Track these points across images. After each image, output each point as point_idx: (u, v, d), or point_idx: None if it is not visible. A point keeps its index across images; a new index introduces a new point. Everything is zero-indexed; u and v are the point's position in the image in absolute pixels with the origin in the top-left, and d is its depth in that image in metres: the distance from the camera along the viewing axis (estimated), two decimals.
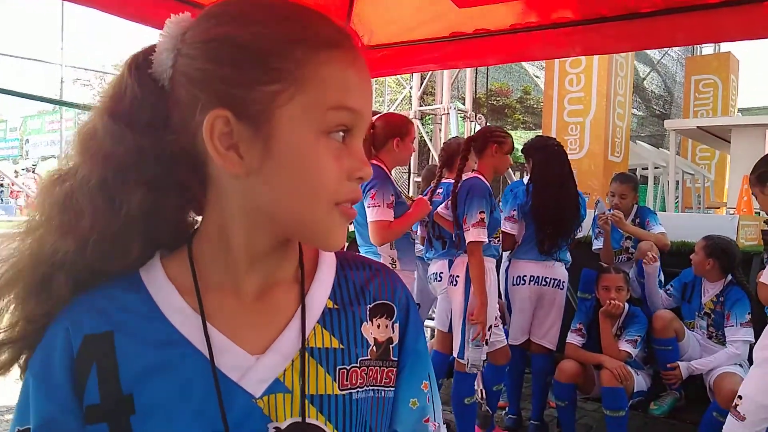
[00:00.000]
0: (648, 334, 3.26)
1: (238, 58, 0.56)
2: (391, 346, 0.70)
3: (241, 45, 0.56)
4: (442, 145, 3.72)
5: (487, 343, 3.07)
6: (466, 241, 3.01)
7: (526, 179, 3.68)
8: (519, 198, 3.50)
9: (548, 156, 3.44)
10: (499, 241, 3.19)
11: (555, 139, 3.71)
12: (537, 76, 18.32)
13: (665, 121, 10.83)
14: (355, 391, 0.66)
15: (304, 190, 0.58)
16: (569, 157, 3.54)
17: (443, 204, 3.19)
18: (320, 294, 0.67)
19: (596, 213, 3.71)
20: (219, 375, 0.60)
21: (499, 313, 3.29)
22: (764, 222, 5.14)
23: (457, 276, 3.11)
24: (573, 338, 3.31)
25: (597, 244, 3.78)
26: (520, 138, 11.59)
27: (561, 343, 3.45)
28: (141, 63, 0.61)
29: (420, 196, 3.62)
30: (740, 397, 2.32)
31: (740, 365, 3.04)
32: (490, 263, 3.12)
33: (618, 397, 2.98)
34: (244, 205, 0.60)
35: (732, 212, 7.35)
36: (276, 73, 0.56)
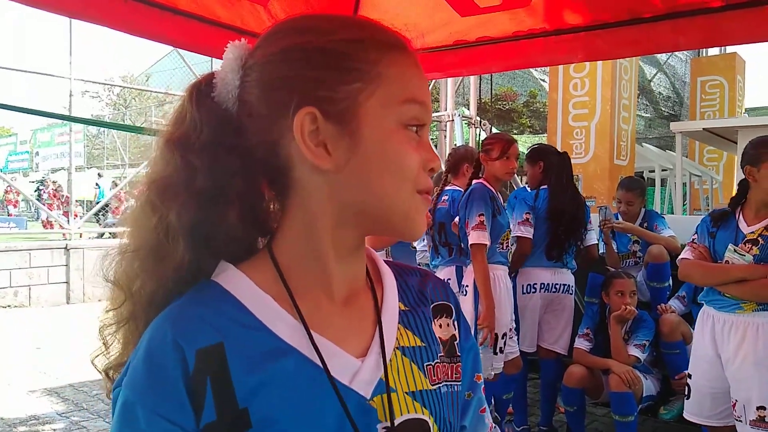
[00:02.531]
0: (656, 338, 3.25)
1: (318, 61, 0.61)
2: (455, 343, 0.74)
3: (319, 49, 0.61)
4: (449, 152, 3.74)
5: (501, 352, 3.06)
6: (468, 245, 3.02)
7: (524, 186, 3.69)
8: (529, 202, 3.49)
9: (564, 161, 3.47)
10: (506, 247, 3.19)
11: (563, 151, 3.73)
12: (543, 80, 18.30)
13: (671, 123, 10.78)
14: (442, 385, 0.70)
15: (391, 179, 0.62)
16: (575, 161, 3.57)
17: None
18: (393, 297, 0.71)
19: (600, 218, 3.69)
20: (334, 380, 0.61)
21: (514, 324, 3.28)
22: None
23: (467, 285, 3.11)
24: (581, 343, 3.30)
25: (604, 249, 3.78)
26: (526, 143, 11.59)
27: (569, 348, 3.44)
28: (203, 89, 0.65)
29: None
30: (764, 408, 2.29)
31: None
32: (499, 271, 3.13)
33: (627, 402, 2.97)
34: (332, 202, 0.63)
35: None
36: (356, 72, 0.61)
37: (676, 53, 18.70)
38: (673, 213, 8.98)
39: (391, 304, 0.70)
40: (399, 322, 0.69)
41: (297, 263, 0.65)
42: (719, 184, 11.61)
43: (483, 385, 0.79)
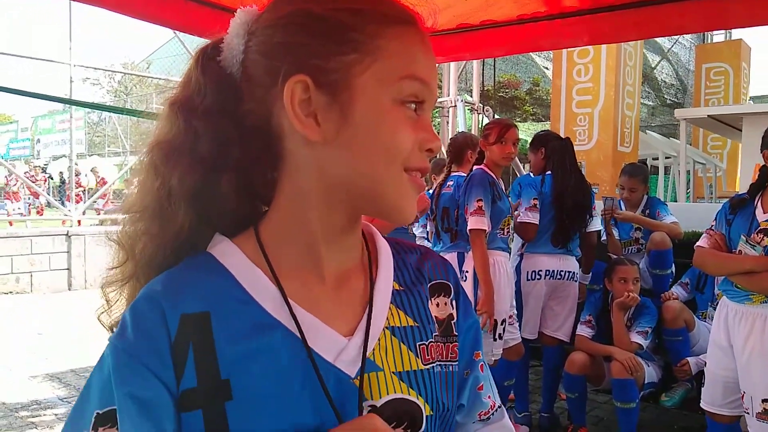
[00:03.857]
0: (658, 324, 3.24)
1: (316, 29, 0.59)
2: (452, 322, 0.73)
3: (319, 17, 0.60)
4: (449, 140, 3.71)
5: (501, 338, 3.06)
6: (468, 230, 3.02)
7: (526, 172, 3.67)
8: (536, 187, 3.46)
9: (565, 147, 3.45)
10: (507, 233, 3.17)
11: (566, 137, 3.69)
12: (546, 68, 18.21)
13: (675, 110, 10.72)
14: (435, 364, 0.69)
15: (379, 153, 0.60)
16: (578, 148, 3.55)
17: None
18: (387, 277, 0.70)
19: (603, 207, 3.67)
20: (315, 356, 0.60)
21: (515, 311, 3.27)
22: None
23: (467, 271, 3.11)
24: (583, 330, 3.29)
25: (605, 236, 3.76)
26: (529, 130, 11.56)
27: (570, 335, 3.44)
28: (209, 53, 0.65)
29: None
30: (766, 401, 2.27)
31: None
32: (499, 257, 3.11)
33: (628, 389, 2.97)
34: (320, 177, 0.61)
35: None
36: (352, 44, 0.59)
37: (680, 40, 18.55)
38: (676, 201, 8.95)
39: (384, 283, 0.69)
40: (391, 302, 0.68)
41: (285, 241, 0.64)
42: (723, 172, 11.57)
43: (482, 363, 0.77)
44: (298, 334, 0.60)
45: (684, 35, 17.08)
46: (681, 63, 19.98)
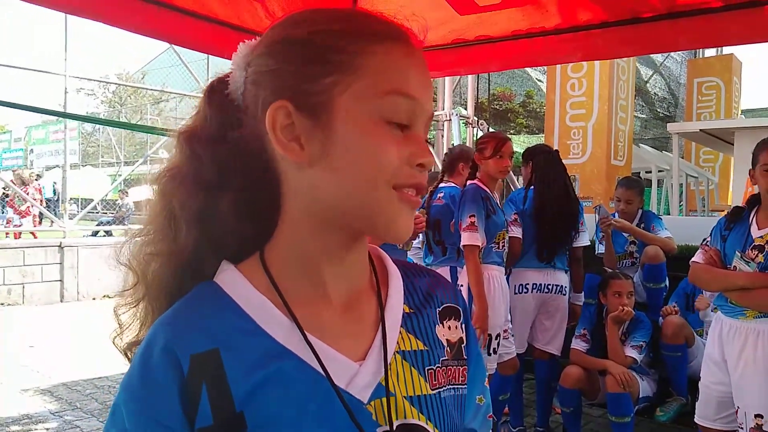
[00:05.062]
0: (657, 339, 3.25)
1: (295, 54, 0.60)
2: (462, 346, 0.73)
3: (299, 41, 0.61)
4: (445, 152, 3.72)
5: (495, 352, 3.05)
6: (461, 245, 3.02)
7: (521, 186, 3.68)
8: (518, 203, 3.49)
9: (549, 159, 3.45)
10: (502, 247, 3.17)
11: (555, 149, 3.71)
12: (539, 80, 18.34)
13: (668, 124, 10.81)
14: (443, 389, 0.68)
15: (363, 173, 0.59)
16: (572, 162, 3.56)
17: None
18: (397, 300, 0.69)
19: (598, 217, 3.69)
20: (329, 384, 0.61)
21: (510, 325, 3.27)
22: None
23: (461, 285, 3.10)
24: (577, 344, 3.29)
25: (601, 249, 3.77)
26: (523, 143, 11.61)
27: (564, 349, 3.44)
28: (216, 86, 0.67)
29: None
30: (761, 416, 2.27)
31: None
32: (493, 271, 3.11)
33: (623, 403, 2.97)
34: (313, 200, 0.62)
35: None
36: (332, 65, 0.59)
37: (672, 54, 18.75)
38: (669, 214, 9.00)
39: (395, 307, 0.69)
40: (402, 326, 0.68)
41: (290, 266, 0.64)
42: (715, 185, 11.65)
43: (489, 391, 0.79)
44: (310, 361, 0.60)
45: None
46: (673, 77, 20.17)
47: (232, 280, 0.64)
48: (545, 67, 11.06)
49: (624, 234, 3.70)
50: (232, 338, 0.60)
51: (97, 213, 16.15)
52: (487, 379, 0.78)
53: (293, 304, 0.63)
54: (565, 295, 3.43)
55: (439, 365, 0.69)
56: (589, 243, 3.62)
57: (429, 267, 3.40)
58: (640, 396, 3.11)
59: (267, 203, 0.65)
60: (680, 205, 9.43)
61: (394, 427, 0.62)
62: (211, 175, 0.64)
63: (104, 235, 11.17)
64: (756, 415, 2.28)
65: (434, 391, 0.67)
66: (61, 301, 7.98)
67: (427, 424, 0.64)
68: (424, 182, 0.62)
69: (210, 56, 10.65)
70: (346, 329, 0.65)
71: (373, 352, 0.64)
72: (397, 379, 0.64)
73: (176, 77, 13.57)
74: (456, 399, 0.70)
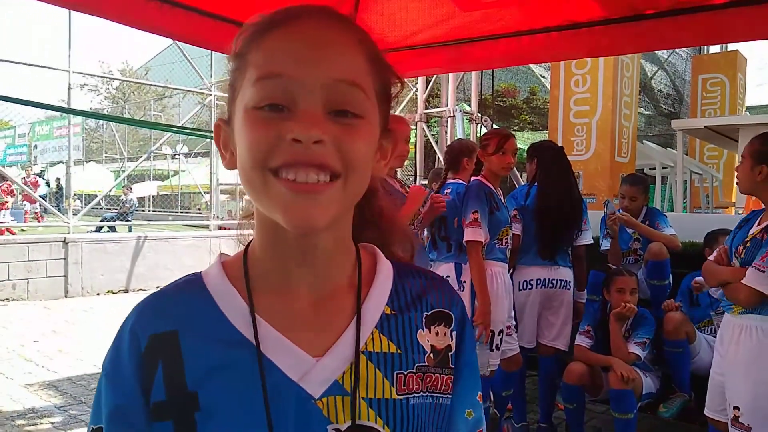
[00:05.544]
0: (658, 336, 3.25)
1: (229, 77, 0.65)
2: (449, 353, 0.71)
3: (231, 56, 0.65)
4: (445, 149, 3.72)
5: (498, 348, 3.06)
6: (464, 241, 3.02)
7: (524, 182, 3.68)
8: (519, 199, 3.50)
9: (552, 156, 3.45)
10: (505, 243, 3.18)
11: (559, 146, 3.70)
12: (543, 77, 18.27)
13: (672, 121, 10.78)
14: (411, 396, 0.66)
15: (241, 164, 0.61)
16: (576, 159, 3.55)
17: None
18: (378, 300, 0.68)
19: (605, 213, 3.69)
20: (279, 374, 0.61)
21: (514, 321, 3.27)
22: None
23: (465, 281, 3.11)
24: (581, 340, 3.29)
25: (605, 245, 3.77)
26: (527, 139, 11.59)
27: (569, 345, 3.44)
28: None
29: (414, 184, 3.63)
30: (737, 408, 2.30)
31: None
32: (497, 267, 3.12)
33: (626, 400, 2.97)
34: (257, 208, 0.65)
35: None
36: (233, 75, 0.64)
37: (677, 51, 18.65)
38: (673, 210, 8.98)
39: (373, 307, 0.67)
40: (377, 327, 0.67)
41: (261, 261, 0.67)
42: (719, 182, 11.62)
43: (482, 407, 0.76)
44: (265, 351, 0.62)
45: None
46: (678, 73, 20.08)
47: (212, 271, 0.68)
48: (549, 64, 11.03)
49: (628, 230, 3.70)
50: (194, 322, 0.64)
51: (101, 209, 16.21)
52: (480, 393, 0.75)
53: (261, 293, 0.65)
54: (569, 290, 3.43)
55: (413, 370, 0.67)
56: (592, 241, 3.62)
57: (433, 263, 3.42)
58: (644, 392, 3.11)
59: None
60: (684, 202, 9.41)
61: (345, 428, 0.62)
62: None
63: (108, 231, 11.20)
64: (734, 407, 2.32)
65: (400, 397, 0.65)
66: (66, 296, 8.02)
67: (383, 428, 0.63)
68: (314, 159, 0.57)
69: (213, 52, 10.66)
70: (311, 324, 0.65)
71: (335, 349, 0.64)
72: (358, 380, 0.63)
73: (179, 73, 13.58)
74: (434, 408, 0.68)
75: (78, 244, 8.16)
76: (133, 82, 30.15)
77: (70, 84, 8.82)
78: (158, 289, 0.68)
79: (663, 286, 3.52)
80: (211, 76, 11.01)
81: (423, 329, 0.69)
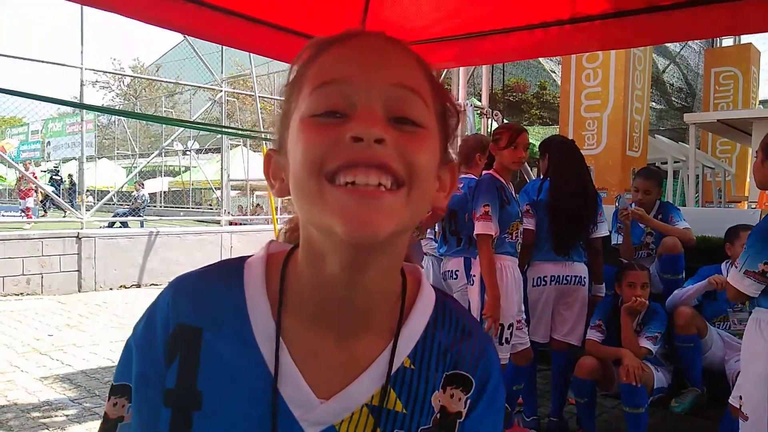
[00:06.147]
0: (669, 330, 3.23)
1: (279, 108, 0.65)
2: (458, 420, 0.67)
3: (282, 93, 0.65)
4: (460, 141, 3.71)
5: (508, 342, 3.06)
6: (474, 234, 3.02)
7: (535, 177, 3.66)
8: (531, 194, 3.48)
9: (566, 151, 3.43)
10: (515, 237, 3.17)
11: (571, 140, 3.68)
12: (553, 71, 18.17)
13: (684, 114, 10.68)
14: None
15: (296, 171, 0.57)
16: (587, 153, 3.53)
17: None
18: (401, 350, 0.65)
19: (617, 207, 3.67)
20: (282, 406, 0.61)
21: (524, 315, 3.27)
22: None
23: (474, 275, 3.11)
24: (593, 334, 3.29)
25: (617, 239, 3.75)
26: (537, 134, 11.54)
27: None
28: None
29: None
30: (741, 398, 2.34)
31: None
32: (506, 261, 3.11)
33: (637, 394, 2.96)
34: (303, 227, 0.62)
35: (753, 206, 7.23)
36: (288, 101, 0.62)
37: (690, 44, 18.48)
38: (685, 205, 8.91)
39: (388, 359, 0.64)
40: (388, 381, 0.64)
41: (299, 281, 0.64)
42: (732, 177, 11.50)
43: None
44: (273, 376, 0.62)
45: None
46: (690, 67, 19.89)
47: (256, 267, 0.67)
48: (559, 59, 10.96)
49: (640, 225, 3.68)
50: (220, 326, 0.63)
51: (113, 204, 16.33)
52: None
53: (290, 314, 0.63)
54: (584, 285, 3.42)
55: None
56: (608, 233, 3.60)
57: (443, 257, 3.42)
58: (655, 387, 3.10)
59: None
60: (696, 197, 9.34)
61: None
62: None
63: (120, 226, 11.28)
64: (740, 396, 2.36)
65: None
66: (79, 290, 8.10)
67: None
68: (375, 158, 0.53)
69: (224, 49, 10.70)
70: (328, 361, 0.63)
71: (342, 396, 0.62)
72: (354, 429, 0.62)
73: (190, 69, 13.63)
74: None
75: (91, 240, 8.23)
76: (144, 78, 30.30)
77: (82, 81, 8.89)
78: (203, 271, 0.67)
79: (676, 281, 3.50)
80: (222, 72, 11.05)
81: (438, 389, 0.66)
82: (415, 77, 0.59)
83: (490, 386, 0.69)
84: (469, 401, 0.67)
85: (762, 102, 15.35)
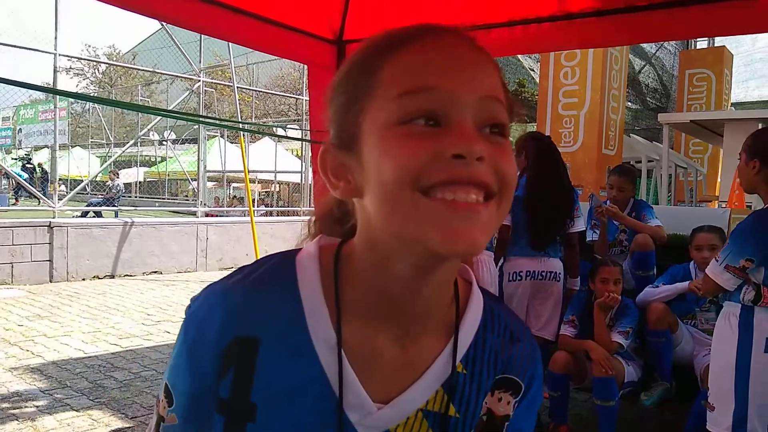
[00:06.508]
0: (641, 325, 3.30)
1: (333, 96, 0.62)
2: (505, 423, 0.69)
3: (334, 85, 0.62)
4: None
5: None
6: None
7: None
8: None
9: (543, 147, 3.46)
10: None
11: (547, 136, 3.72)
12: (532, 69, 18.31)
13: (659, 114, 10.87)
14: None
15: (387, 183, 0.54)
16: (563, 150, 3.57)
17: None
18: (453, 355, 0.65)
19: (591, 205, 3.72)
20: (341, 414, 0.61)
21: None
22: None
23: None
24: (566, 330, 3.34)
25: (592, 236, 3.81)
26: (515, 131, 11.64)
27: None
28: None
29: None
30: (708, 389, 2.43)
31: None
32: (483, 255, 3.13)
33: (608, 387, 3.02)
34: (370, 231, 0.60)
35: (724, 206, 7.39)
36: (357, 92, 0.59)
37: (665, 45, 18.78)
38: (658, 203, 9.07)
39: (446, 362, 0.65)
40: (443, 384, 0.64)
41: (357, 279, 0.63)
42: (704, 177, 11.73)
43: None
44: (334, 385, 0.61)
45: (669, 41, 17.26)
46: (665, 68, 20.21)
47: (309, 266, 0.64)
48: (538, 57, 11.07)
49: (614, 222, 3.74)
50: (277, 334, 0.62)
51: (86, 194, 16.06)
52: None
53: (347, 321, 0.62)
54: (559, 281, 3.46)
55: None
56: (584, 228, 3.65)
57: None
58: (626, 381, 3.16)
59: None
60: (669, 196, 9.51)
61: None
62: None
63: (94, 216, 11.10)
64: (707, 387, 2.47)
65: None
66: (51, 280, 7.96)
67: None
68: (475, 176, 0.53)
69: (203, 38, 10.56)
70: (386, 366, 0.63)
71: (399, 402, 0.63)
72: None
73: (168, 58, 13.44)
74: None
75: (63, 229, 8.09)
76: (120, 66, 29.76)
77: (56, 67, 8.70)
78: (250, 277, 0.64)
79: (648, 277, 3.57)
80: (200, 61, 10.91)
81: (488, 393, 0.68)
82: (497, 86, 0.59)
83: (534, 388, 0.71)
84: (517, 404, 0.69)
85: (734, 104, 15.68)
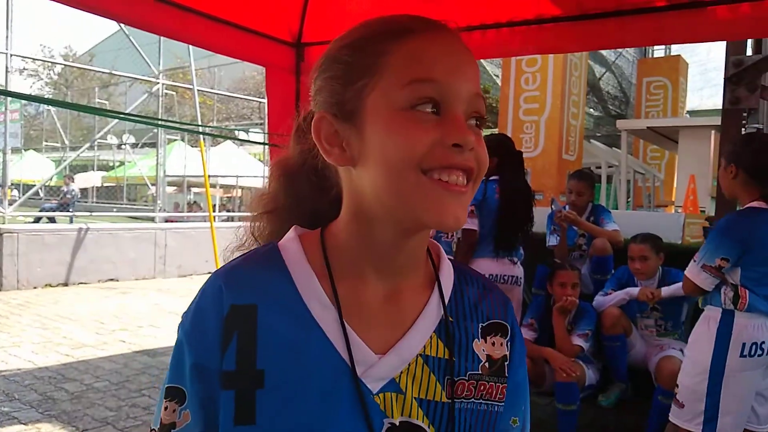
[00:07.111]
0: (597, 329, 3.34)
1: (332, 68, 0.67)
2: (506, 363, 0.74)
3: (333, 58, 0.67)
4: None
5: None
6: None
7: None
8: (476, 195, 3.51)
9: (514, 152, 3.50)
10: (451, 237, 3.20)
11: (510, 138, 3.75)
12: (496, 75, 18.53)
13: (617, 120, 11.12)
14: (460, 401, 0.70)
15: (391, 161, 0.61)
16: (524, 155, 3.60)
17: None
18: (439, 305, 0.71)
19: (552, 209, 3.76)
20: (344, 367, 0.65)
21: None
22: (706, 219, 5.32)
23: None
24: (525, 333, 3.35)
25: (552, 241, 3.84)
26: None
27: None
28: (301, 123, 0.77)
29: None
30: (677, 386, 2.46)
31: (681, 350, 3.12)
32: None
33: (571, 392, 3.04)
34: (360, 198, 0.66)
35: (679, 210, 7.59)
36: (361, 70, 0.64)
37: (624, 53, 19.26)
38: (617, 208, 9.27)
39: (433, 311, 0.71)
40: (434, 331, 0.70)
41: (342, 248, 0.69)
42: (661, 182, 12.06)
43: (527, 417, 0.80)
44: (335, 342, 0.65)
45: (627, 49, 17.74)
46: (624, 75, 20.72)
47: (291, 247, 0.70)
48: (502, 62, 11.20)
49: (574, 227, 3.78)
50: (272, 298, 0.66)
51: (39, 199, 15.55)
52: (525, 406, 0.79)
53: (338, 281, 0.67)
54: (519, 285, 3.48)
55: (465, 378, 0.71)
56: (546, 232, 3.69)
57: None
58: (586, 384, 3.20)
59: (336, 195, 0.72)
60: (628, 201, 9.72)
61: (398, 422, 0.66)
62: (300, 169, 0.76)
63: (47, 222, 10.76)
64: (677, 384, 2.48)
65: (450, 401, 0.69)
66: (0, 289, 7.67)
67: (429, 427, 0.67)
68: (466, 163, 0.62)
69: (163, 40, 10.36)
70: (379, 318, 0.68)
71: (397, 349, 0.67)
72: (412, 380, 0.67)
73: (127, 60, 13.13)
74: (485, 414, 0.72)
75: (14, 236, 7.81)
76: (76, 67, 28.96)
77: (8, 68, 8.43)
78: (239, 257, 0.71)
79: (606, 281, 3.62)
80: (160, 64, 10.71)
81: (479, 339, 0.73)
82: (479, 82, 0.67)
83: (516, 328, 0.77)
84: (509, 344, 0.75)
85: (689, 111, 16.17)
